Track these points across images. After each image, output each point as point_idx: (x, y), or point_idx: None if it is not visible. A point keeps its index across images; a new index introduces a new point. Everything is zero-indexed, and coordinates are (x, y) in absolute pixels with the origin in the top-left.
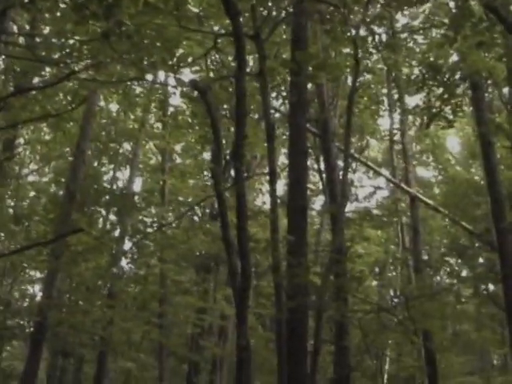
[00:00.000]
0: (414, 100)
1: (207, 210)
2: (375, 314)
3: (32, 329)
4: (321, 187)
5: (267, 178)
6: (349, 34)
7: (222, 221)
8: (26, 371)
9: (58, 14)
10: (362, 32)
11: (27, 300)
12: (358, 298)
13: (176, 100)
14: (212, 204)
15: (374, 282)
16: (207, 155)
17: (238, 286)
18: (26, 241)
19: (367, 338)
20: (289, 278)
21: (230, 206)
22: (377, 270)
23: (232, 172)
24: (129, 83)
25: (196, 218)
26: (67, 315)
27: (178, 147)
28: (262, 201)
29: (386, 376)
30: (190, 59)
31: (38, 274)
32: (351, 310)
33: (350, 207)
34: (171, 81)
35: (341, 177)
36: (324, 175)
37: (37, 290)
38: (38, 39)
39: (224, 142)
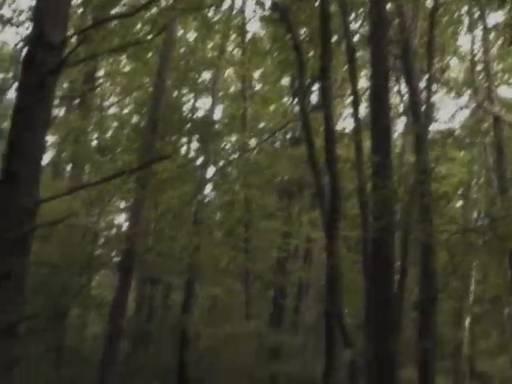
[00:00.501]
0: (495, 17)
1: (288, 136)
2: (461, 234)
3: (120, 258)
4: (402, 109)
5: (348, 101)
6: None
7: (307, 142)
8: (115, 299)
9: None
10: None
11: (114, 230)
12: (444, 219)
13: (254, 26)
14: (293, 129)
15: (459, 204)
16: (286, 81)
17: (327, 206)
18: (111, 171)
19: (453, 258)
20: (374, 199)
21: (314, 130)
22: (461, 191)
23: (311, 97)
24: (207, 10)
25: (278, 143)
26: (154, 243)
27: (257, 73)
28: (343, 126)
29: (472, 297)
30: None
31: (124, 204)
32: (437, 231)
33: (432, 128)
34: (249, 6)
35: (423, 98)
36: (405, 97)
37: (123, 220)
38: None
39: None
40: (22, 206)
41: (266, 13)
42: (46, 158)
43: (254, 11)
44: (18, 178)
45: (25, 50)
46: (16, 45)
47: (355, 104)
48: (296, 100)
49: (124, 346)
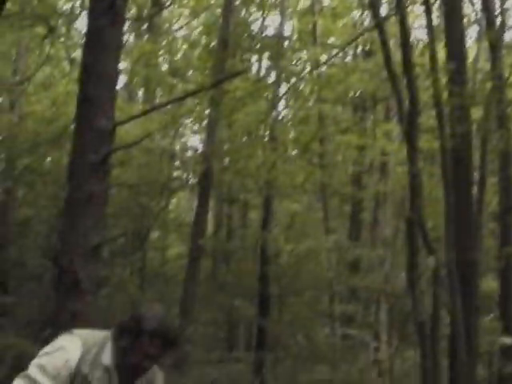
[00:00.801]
0: None
1: (358, 50)
2: None
3: (197, 179)
4: (474, 17)
5: (420, 11)
6: None
7: (383, 48)
8: (195, 220)
9: None
10: None
11: (190, 151)
12: None
13: None
14: (364, 42)
15: None
16: None
17: (406, 114)
18: (184, 93)
19: None
20: (451, 108)
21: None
22: None
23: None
24: None
25: (349, 58)
26: (230, 162)
27: None
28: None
29: None
30: None
31: (197, 126)
32: None
33: (507, 36)
34: None
35: (496, 5)
36: (478, 4)
37: (198, 143)
38: None
39: None
40: (99, 129)
41: None
42: (119, 84)
43: None
44: (94, 101)
45: None
46: None
47: (428, 12)
48: (366, 13)
49: (205, 265)
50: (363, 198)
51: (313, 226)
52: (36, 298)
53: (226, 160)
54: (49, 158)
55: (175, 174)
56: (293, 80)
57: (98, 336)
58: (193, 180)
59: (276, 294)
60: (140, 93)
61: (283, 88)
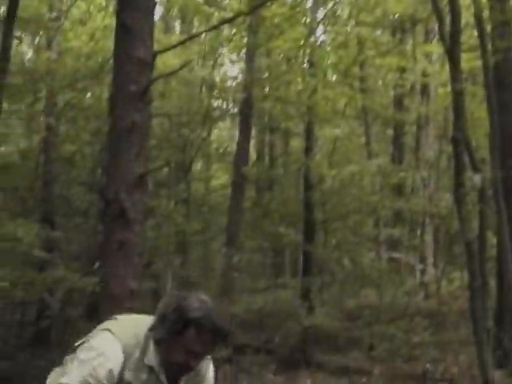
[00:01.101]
0: None
1: None
2: None
3: (238, 108)
4: None
5: None
6: None
7: None
8: (237, 149)
9: None
10: None
11: (230, 81)
12: None
13: None
14: None
15: None
16: None
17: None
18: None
19: None
20: (492, 25)
21: None
22: None
23: None
24: None
25: None
26: (271, 90)
27: None
28: None
29: None
30: None
31: (237, 56)
32: None
33: None
34: None
35: None
36: None
37: (237, 72)
38: None
39: None
40: (138, 59)
41: None
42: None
43: None
44: (133, 31)
45: None
46: None
47: None
48: None
49: (249, 193)
50: (405, 121)
51: (355, 150)
52: (83, 232)
53: (266, 88)
54: (89, 93)
55: (215, 103)
56: (330, 4)
57: (140, 333)
58: (233, 109)
59: (320, 220)
60: (177, 24)
61: (321, 13)
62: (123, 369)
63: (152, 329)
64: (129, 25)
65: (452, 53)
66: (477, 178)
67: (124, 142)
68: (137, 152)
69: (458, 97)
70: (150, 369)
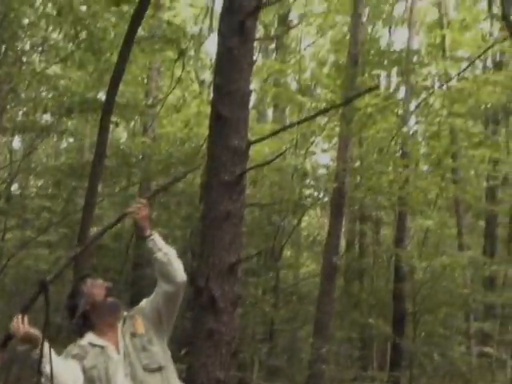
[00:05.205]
0: None
1: (488, 62)
2: None
3: (330, 196)
4: None
5: None
6: None
7: None
8: (328, 237)
9: None
10: None
11: (322, 169)
12: None
13: None
14: (494, 54)
15: None
16: (483, 5)
17: None
18: (313, 111)
19: None
20: None
21: None
22: None
23: None
24: None
25: (479, 70)
26: (363, 179)
27: (452, 0)
28: None
29: None
30: None
31: (329, 144)
32: None
33: None
34: None
35: None
36: None
37: (328, 160)
38: None
39: None
40: (234, 148)
41: None
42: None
43: None
44: (229, 121)
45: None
46: None
47: None
48: (494, 24)
49: (339, 282)
50: (498, 213)
51: (447, 241)
52: None
53: (358, 177)
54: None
55: (307, 191)
56: (423, 95)
57: None
58: (324, 198)
59: (410, 312)
60: (270, 112)
61: (413, 103)
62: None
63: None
64: (224, 115)
65: None
66: None
67: (217, 231)
68: (230, 241)
69: None
70: (89, 343)
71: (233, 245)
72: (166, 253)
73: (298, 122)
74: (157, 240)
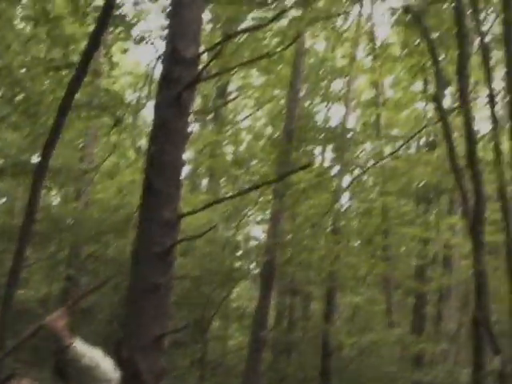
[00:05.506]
0: None
1: (422, 141)
2: None
3: (259, 269)
4: None
5: (482, 104)
6: None
7: (448, 144)
8: (257, 310)
9: None
10: None
11: (253, 242)
12: None
13: (384, 31)
14: (427, 134)
15: None
16: (418, 85)
17: (471, 211)
18: (247, 184)
19: None
20: None
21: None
22: None
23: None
24: (335, 18)
25: (413, 149)
26: (293, 254)
27: (388, 80)
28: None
29: None
30: None
31: (261, 216)
32: None
33: None
34: (378, 12)
35: None
36: None
37: (260, 232)
38: None
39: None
40: (165, 220)
41: (397, 17)
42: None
43: (386, 15)
44: (160, 192)
45: (157, 69)
46: (148, 64)
47: (492, 104)
48: (430, 103)
49: (266, 356)
50: (427, 291)
51: (376, 318)
52: None
53: (290, 251)
54: (112, 246)
55: (238, 264)
56: (356, 172)
57: None
58: (255, 270)
59: None
60: (205, 181)
61: (347, 180)
62: None
63: None
64: (156, 186)
65: (475, 232)
66: (496, 360)
67: (144, 303)
68: (156, 313)
69: (479, 277)
70: None
71: (159, 317)
72: (92, 357)
73: (231, 196)
74: (79, 347)
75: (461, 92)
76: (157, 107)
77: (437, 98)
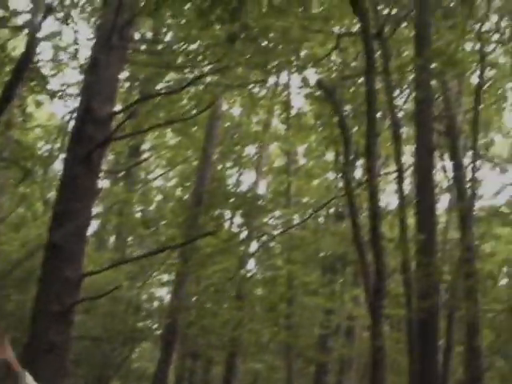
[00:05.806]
0: None
1: (330, 211)
2: (507, 313)
3: (162, 331)
4: (446, 185)
5: (392, 177)
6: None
7: (352, 220)
8: (157, 372)
9: (183, 20)
10: (486, 26)
11: (156, 303)
12: (489, 298)
13: (299, 101)
14: (337, 204)
15: (503, 282)
16: (331, 156)
17: (372, 286)
18: (154, 244)
19: (499, 338)
20: (419, 278)
21: (359, 206)
22: (506, 269)
23: (356, 173)
24: (252, 86)
25: (321, 218)
26: (196, 317)
27: (301, 148)
28: (386, 201)
29: None
30: (312, 60)
31: (166, 277)
32: (483, 310)
33: (477, 205)
34: (294, 82)
35: (468, 174)
36: (450, 173)
37: (165, 293)
38: (160, 46)
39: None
40: (66, 279)
41: (311, 90)
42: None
43: (299, 87)
44: (63, 251)
45: (72, 123)
46: (63, 117)
47: (400, 180)
48: (340, 175)
49: None
50: (328, 361)
51: None
52: None
53: (192, 314)
54: (12, 301)
55: (140, 324)
56: (264, 238)
57: None
58: (158, 330)
59: None
60: (112, 238)
61: (254, 246)
62: None
63: None
64: (59, 244)
65: (374, 307)
66: None
67: (41, 362)
68: (53, 372)
69: (377, 352)
70: None
71: (56, 377)
72: None
73: (138, 257)
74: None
75: (368, 168)
76: (66, 163)
77: (344, 172)
